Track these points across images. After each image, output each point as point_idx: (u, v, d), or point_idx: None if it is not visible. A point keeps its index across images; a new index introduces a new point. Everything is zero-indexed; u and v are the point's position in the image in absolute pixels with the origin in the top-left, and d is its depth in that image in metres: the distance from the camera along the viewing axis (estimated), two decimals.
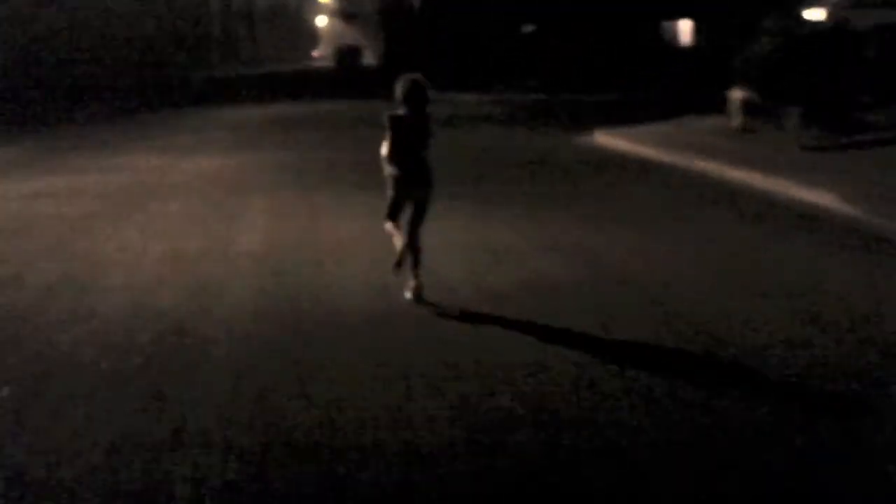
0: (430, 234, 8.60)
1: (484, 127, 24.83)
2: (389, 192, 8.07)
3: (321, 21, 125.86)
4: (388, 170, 8.02)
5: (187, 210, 12.78)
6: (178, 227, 11.51)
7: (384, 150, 8.00)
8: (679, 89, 33.09)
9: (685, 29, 39.80)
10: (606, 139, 20.50)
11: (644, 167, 16.49)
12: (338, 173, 16.06)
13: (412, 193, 8.04)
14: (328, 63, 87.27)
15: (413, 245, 8.08)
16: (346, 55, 72.61)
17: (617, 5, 38.66)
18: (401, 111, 7.94)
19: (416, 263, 8.11)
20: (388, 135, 7.92)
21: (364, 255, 9.73)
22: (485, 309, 7.68)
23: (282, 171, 16.58)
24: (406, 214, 8.14)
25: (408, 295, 8.07)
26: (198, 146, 21.31)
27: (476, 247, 10.06)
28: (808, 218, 11.53)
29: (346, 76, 58.12)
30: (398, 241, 8.11)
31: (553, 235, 10.57)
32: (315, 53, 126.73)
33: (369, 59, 76.45)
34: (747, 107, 20.19)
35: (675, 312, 7.48)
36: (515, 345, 6.78)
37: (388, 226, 8.19)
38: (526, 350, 6.65)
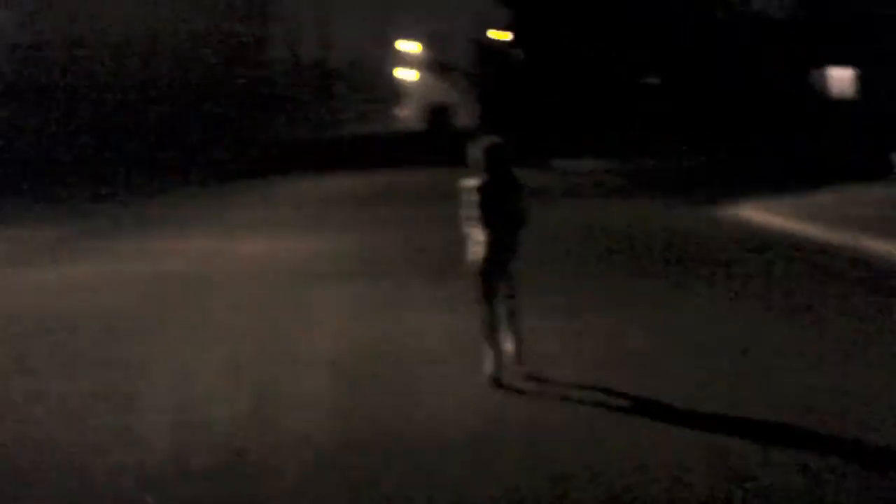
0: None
1: (602, 201, 24.44)
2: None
3: (405, 75, 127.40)
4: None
5: (243, 305, 12.57)
6: (232, 327, 11.28)
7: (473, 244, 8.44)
8: (836, 150, 32.40)
9: (842, 77, 39.10)
10: (756, 214, 19.89)
11: (811, 253, 15.74)
12: (424, 257, 15.83)
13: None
14: (415, 124, 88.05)
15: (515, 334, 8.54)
16: (437, 115, 73.19)
17: (760, 51, 38.20)
18: (478, 180, 8.30)
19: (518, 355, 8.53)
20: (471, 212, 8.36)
21: (452, 356, 9.35)
22: None
23: (354, 258, 16.37)
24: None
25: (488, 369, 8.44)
26: (258, 227, 21.37)
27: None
28: None
29: (437, 140, 58.41)
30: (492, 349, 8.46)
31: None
32: (401, 113, 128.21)
33: (462, 118, 77.02)
34: None
35: None
36: None
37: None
38: None
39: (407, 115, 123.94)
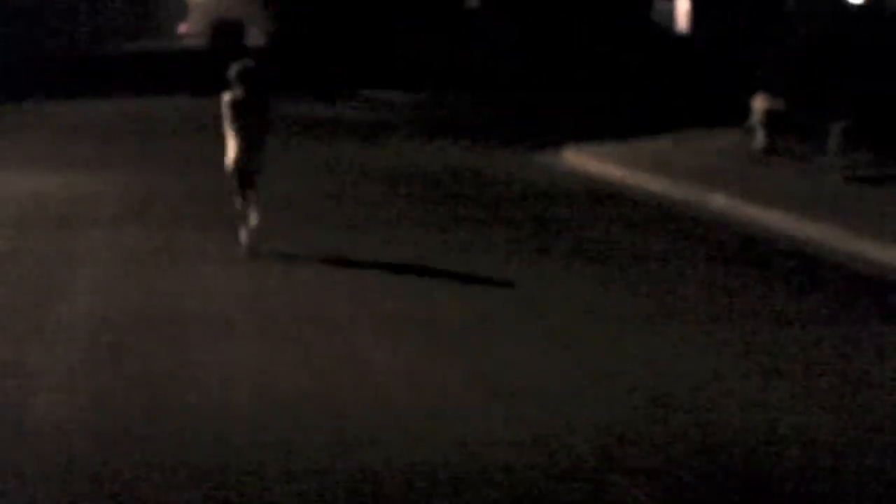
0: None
1: (413, 140, 24.28)
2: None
3: None
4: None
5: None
6: None
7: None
8: (674, 91, 32.92)
9: (682, 12, 39.74)
10: (580, 160, 20.07)
11: (636, 203, 15.97)
12: (194, 200, 15.45)
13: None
14: (200, 42, 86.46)
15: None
16: (225, 33, 71.40)
17: None
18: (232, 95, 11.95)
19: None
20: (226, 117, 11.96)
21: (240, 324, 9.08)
22: None
23: (111, 201, 15.88)
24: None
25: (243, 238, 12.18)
26: (20, 157, 20.58)
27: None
28: (876, 282, 11.14)
29: (224, 61, 57.42)
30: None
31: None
32: (183, 29, 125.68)
33: (255, 38, 75.82)
34: (773, 120, 19.88)
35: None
36: None
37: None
38: None
39: (189, 30, 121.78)
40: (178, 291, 10.36)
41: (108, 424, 7.00)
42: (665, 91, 33.20)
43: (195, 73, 47.26)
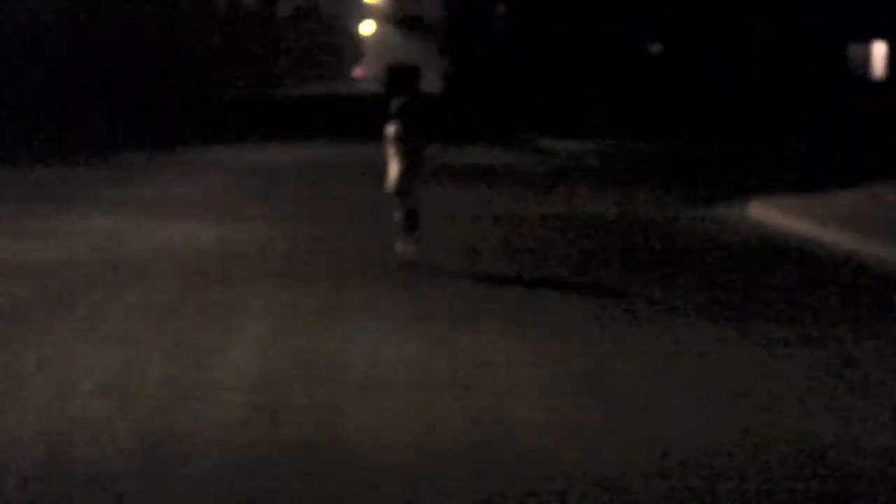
0: None
1: (591, 190, 24.08)
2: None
3: (366, 28, 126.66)
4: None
5: (146, 306, 12.08)
6: (126, 337, 10.76)
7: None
8: (870, 141, 32.18)
9: (879, 56, 38.85)
10: (767, 213, 19.58)
11: (838, 267, 15.42)
12: (369, 254, 15.45)
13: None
14: (373, 86, 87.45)
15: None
16: (400, 77, 71.78)
17: (790, 17, 37.84)
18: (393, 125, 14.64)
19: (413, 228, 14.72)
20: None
21: (402, 388, 8.95)
22: None
23: (289, 253, 16.00)
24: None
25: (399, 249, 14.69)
26: (173, 203, 20.97)
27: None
28: None
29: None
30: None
31: None
32: (357, 72, 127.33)
33: (431, 84, 76.44)
34: None
35: None
36: None
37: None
38: None
39: (364, 74, 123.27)
40: (340, 352, 10.28)
41: (260, 488, 6.92)
42: (860, 140, 32.45)
43: (368, 118, 47.74)
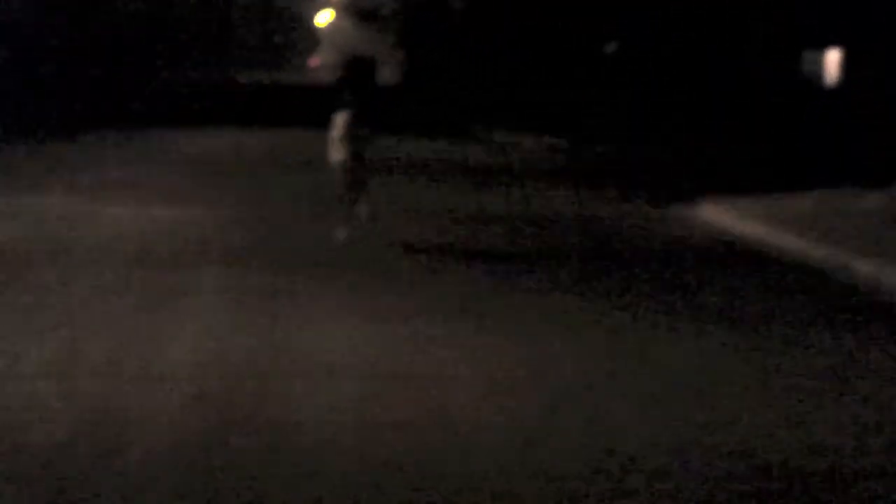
0: None
1: (543, 188, 24.09)
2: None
3: (322, 18, 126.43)
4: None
5: (89, 291, 11.97)
6: (74, 319, 10.67)
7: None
8: (820, 146, 32.31)
9: (832, 61, 39.04)
10: (719, 215, 19.60)
11: (785, 270, 15.45)
12: (317, 237, 15.38)
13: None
14: (329, 76, 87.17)
15: None
16: (357, 69, 71.58)
17: (742, 22, 37.98)
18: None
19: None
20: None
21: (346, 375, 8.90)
22: None
23: (244, 234, 15.92)
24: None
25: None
26: (128, 187, 20.82)
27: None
28: None
29: (352, 98, 57.75)
30: None
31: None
32: (313, 63, 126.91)
33: (384, 75, 76.29)
34: None
35: None
36: None
37: None
38: None
39: (319, 64, 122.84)
40: (289, 342, 10.21)
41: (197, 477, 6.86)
42: (810, 145, 32.57)
43: (322, 107, 47.46)
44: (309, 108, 49.43)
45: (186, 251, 14.54)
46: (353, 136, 16.06)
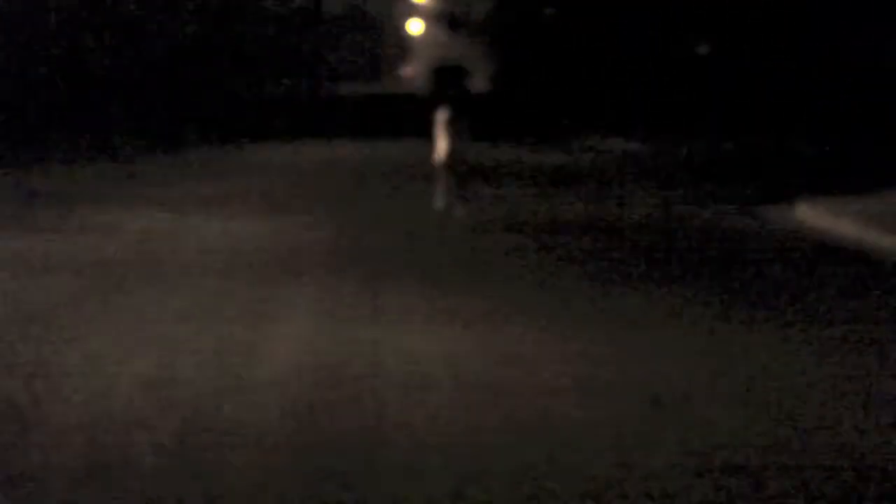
0: None
1: (637, 190, 23.95)
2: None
3: (414, 27, 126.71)
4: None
5: (193, 305, 12.05)
6: (171, 335, 10.72)
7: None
8: None
9: None
10: (819, 218, 19.23)
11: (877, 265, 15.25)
12: (423, 252, 15.43)
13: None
14: (422, 86, 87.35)
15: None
16: (447, 77, 71.66)
17: (834, 18, 37.52)
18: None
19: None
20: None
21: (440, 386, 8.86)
22: None
23: (342, 247, 16.00)
24: None
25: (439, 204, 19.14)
26: (226, 200, 21.05)
27: None
28: None
29: (447, 106, 58.02)
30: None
31: None
32: (407, 72, 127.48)
33: (477, 83, 76.27)
34: None
35: None
36: None
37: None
38: None
39: (412, 74, 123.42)
40: (377, 349, 10.21)
41: (299, 484, 6.86)
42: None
43: (416, 117, 47.71)
44: (402, 117, 49.69)
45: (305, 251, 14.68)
46: (452, 138, 19.50)
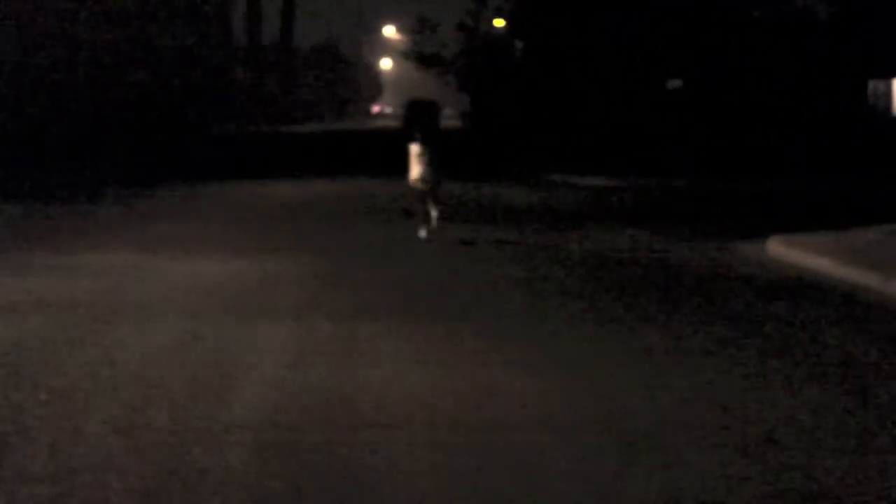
0: None
1: (607, 228, 24.01)
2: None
3: (385, 64, 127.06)
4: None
5: (166, 342, 12.02)
6: (147, 372, 10.71)
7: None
8: (891, 178, 32.08)
9: None
10: (785, 250, 19.49)
11: (860, 306, 15.34)
12: (395, 291, 15.42)
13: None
14: (393, 122, 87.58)
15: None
16: (420, 112, 71.99)
17: (804, 55, 37.80)
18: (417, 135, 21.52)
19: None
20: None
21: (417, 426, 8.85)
22: None
23: (315, 285, 15.98)
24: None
25: (422, 234, 20.40)
26: (198, 240, 21.06)
27: None
28: None
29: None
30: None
31: None
32: (375, 108, 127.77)
33: (449, 118, 76.45)
34: None
35: None
36: None
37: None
38: None
39: (382, 109, 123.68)
40: (354, 391, 10.20)
41: None
42: (881, 178, 32.30)
43: (387, 153, 47.85)
44: (371, 153, 49.70)
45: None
46: (424, 157, 21.04)
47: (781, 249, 19.75)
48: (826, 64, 37.90)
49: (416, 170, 20.92)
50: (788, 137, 37.61)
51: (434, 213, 20.79)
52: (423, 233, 20.61)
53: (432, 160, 20.92)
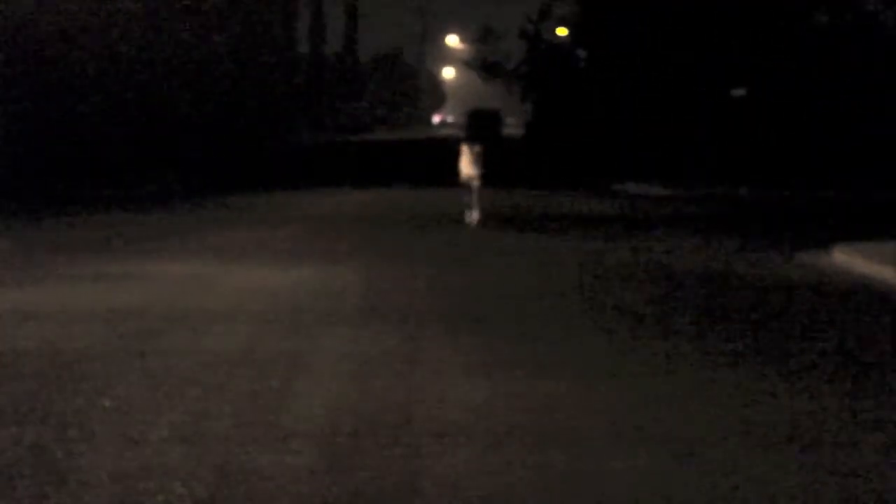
0: None
1: (668, 237, 23.91)
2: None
3: (447, 74, 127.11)
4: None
5: (223, 356, 12.02)
6: (200, 388, 10.70)
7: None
8: None
9: None
10: (852, 260, 19.34)
11: None
12: (456, 301, 15.40)
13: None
14: (456, 131, 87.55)
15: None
16: (482, 122, 71.85)
17: (870, 63, 37.48)
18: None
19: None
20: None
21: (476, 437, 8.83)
22: None
23: (377, 295, 15.98)
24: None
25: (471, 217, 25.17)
26: (256, 249, 21.06)
27: None
28: None
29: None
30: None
31: None
32: (437, 118, 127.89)
33: (511, 127, 76.38)
34: None
35: None
36: None
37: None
38: None
39: (444, 119, 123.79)
40: (417, 398, 10.18)
41: None
42: None
43: (449, 163, 47.78)
44: (436, 163, 49.79)
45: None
46: (473, 153, 25.22)
47: (847, 259, 19.63)
48: (892, 71, 37.56)
49: (465, 166, 25.34)
50: (852, 145, 37.30)
51: (476, 209, 24.96)
52: (472, 216, 24.95)
53: (478, 158, 25.11)
